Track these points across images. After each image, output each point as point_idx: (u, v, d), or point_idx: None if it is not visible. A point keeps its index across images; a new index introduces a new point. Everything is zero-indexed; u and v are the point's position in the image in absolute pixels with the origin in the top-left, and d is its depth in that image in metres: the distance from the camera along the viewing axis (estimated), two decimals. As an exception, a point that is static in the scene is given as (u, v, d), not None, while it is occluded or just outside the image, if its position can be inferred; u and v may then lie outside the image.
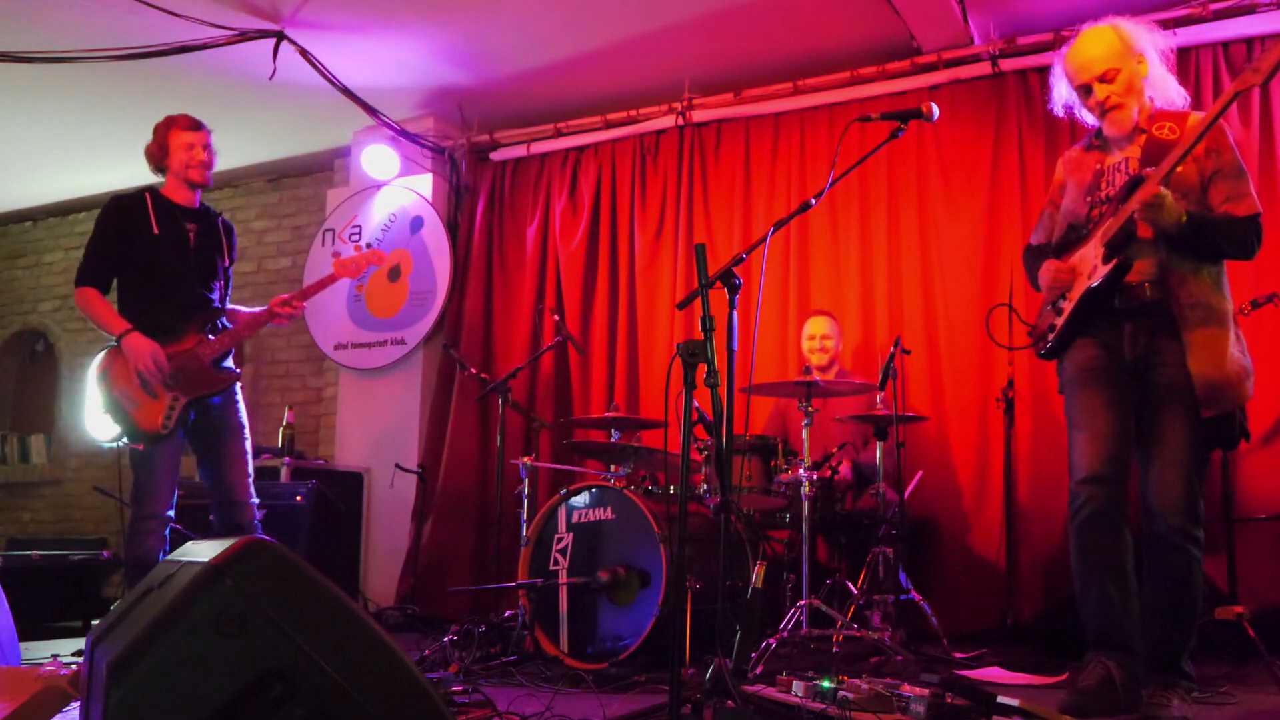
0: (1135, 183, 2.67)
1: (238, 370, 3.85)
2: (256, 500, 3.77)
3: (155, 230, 3.74)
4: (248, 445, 3.78)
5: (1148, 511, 2.67)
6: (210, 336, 3.74)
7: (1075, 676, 2.74)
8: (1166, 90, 2.81)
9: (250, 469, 3.78)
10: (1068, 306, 2.80)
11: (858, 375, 4.68)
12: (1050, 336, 2.85)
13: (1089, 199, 2.83)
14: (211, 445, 3.74)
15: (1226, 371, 2.61)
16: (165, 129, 3.83)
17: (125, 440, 3.66)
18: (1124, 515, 2.68)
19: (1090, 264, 2.74)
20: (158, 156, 3.84)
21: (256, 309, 3.95)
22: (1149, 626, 2.68)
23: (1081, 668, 2.69)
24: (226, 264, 3.91)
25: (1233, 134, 4.26)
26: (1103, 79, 2.78)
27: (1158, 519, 2.63)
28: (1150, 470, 2.67)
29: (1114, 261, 2.65)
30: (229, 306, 3.93)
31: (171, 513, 3.64)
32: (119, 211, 3.78)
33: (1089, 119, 2.91)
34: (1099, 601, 2.67)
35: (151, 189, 3.86)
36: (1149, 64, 2.80)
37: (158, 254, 3.74)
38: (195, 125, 3.85)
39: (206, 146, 3.84)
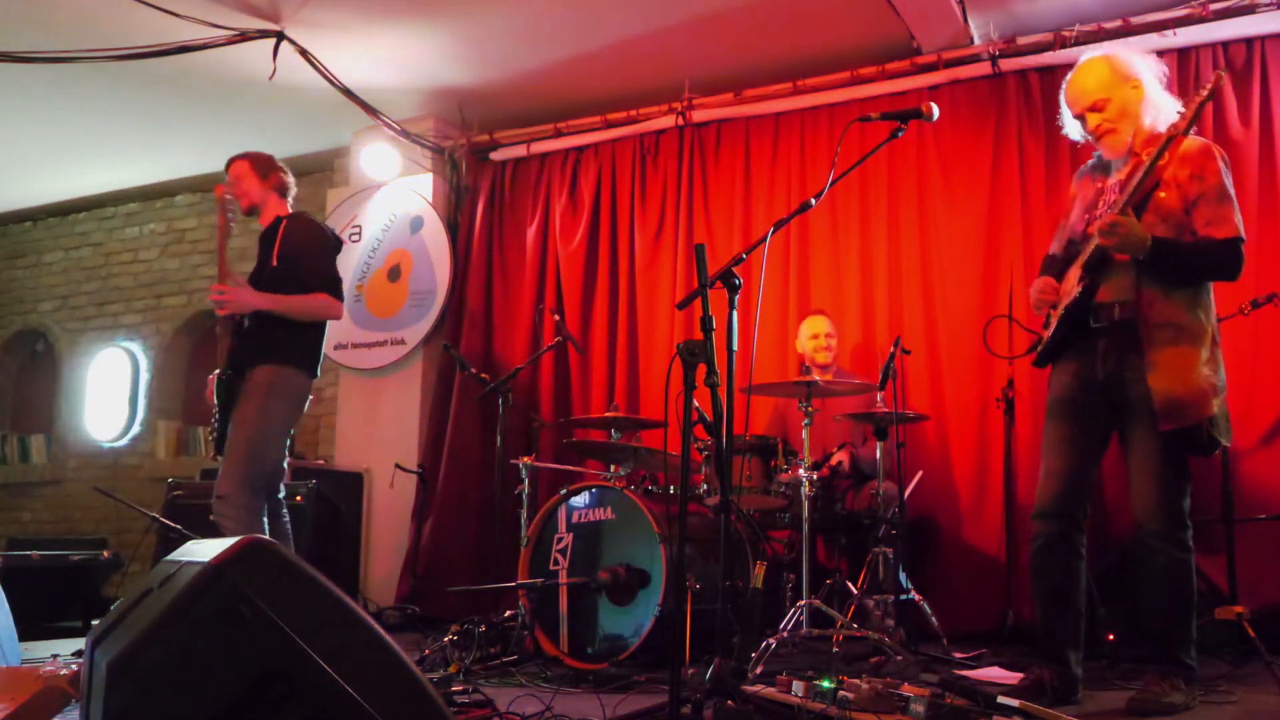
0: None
1: (262, 364, 3.77)
2: (224, 495, 3.67)
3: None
4: (240, 439, 3.73)
5: (1134, 519, 2.83)
6: None
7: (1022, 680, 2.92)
8: (1165, 112, 2.90)
9: (231, 464, 3.71)
10: (1054, 321, 2.96)
11: (858, 375, 4.69)
12: (1039, 348, 3.04)
13: (1087, 217, 2.97)
14: None
15: (1191, 388, 2.73)
16: None
17: None
18: (1070, 545, 2.90)
19: (1074, 280, 2.90)
20: None
21: None
22: (1146, 623, 2.86)
23: (1025, 675, 2.92)
24: (275, 264, 3.88)
25: (1234, 134, 4.32)
26: (1094, 108, 2.92)
27: (1139, 525, 2.81)
28: (1130, 481, 2.85)
29: (1084, 282, 2.84)
30: None
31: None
32: None
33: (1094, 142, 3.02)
34: (1043, 621, 2.95)
35: None
36: (1145, 88, 2.91)
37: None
38: (227, 165, 4.08)
39: (232, 182, 4.02)
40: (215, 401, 3.84)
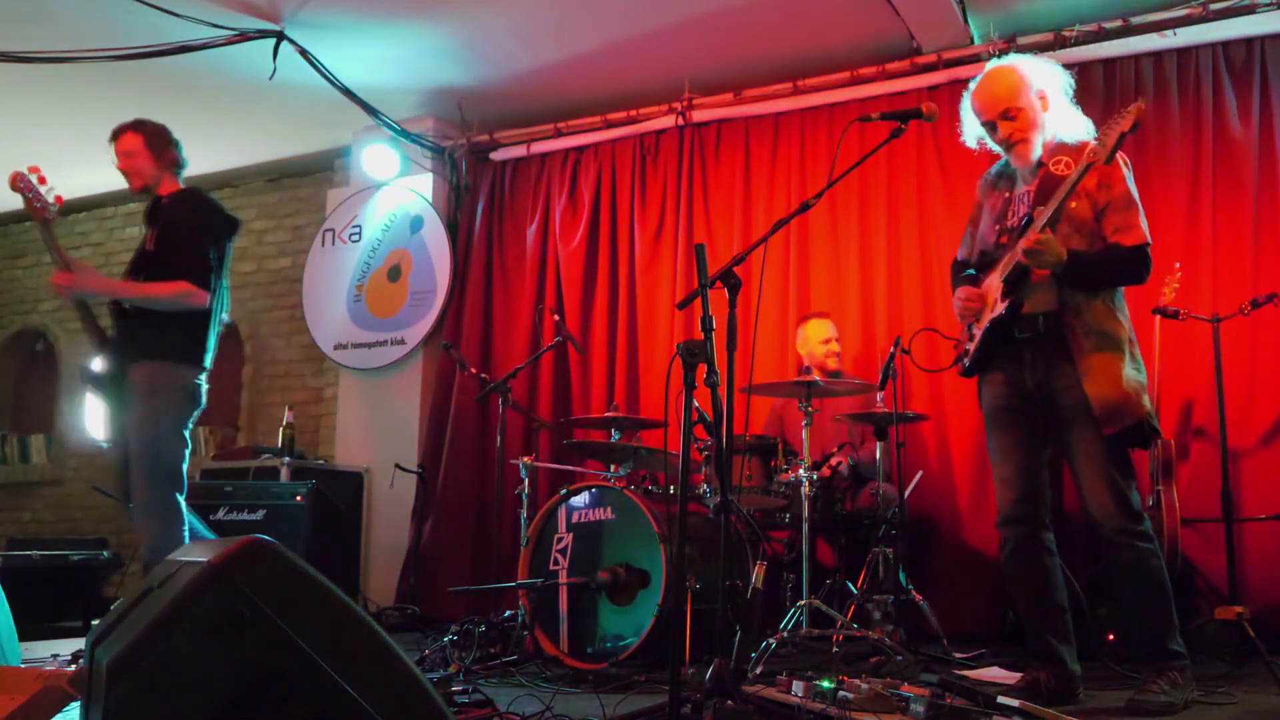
0: (1030, 221, 2.85)
1: (139, 361, 3.59)
2: (138, 505, 3.54)
3: None
4: (138, 446, 3.54)
5: (1090, 520, 2.88)
6: None
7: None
8: (1070, 123, 2.95)
9: (137, 469, 3.54)
10: (978, 333, 2.99)
11: (857, 375, 4.68)
12: (966, 360, 3.07)
13: (997, 227, 3.02)
14: None
15: (1124, 390, 2.79)
16: None
17: None
18: (1040, 543, 2.94)
19: (995, 293, 2.93)
20: None
21: None
22: (1130, 619, 2.94)
23: (1022, 676, 2.92)
24: (150, 248, 3.67)
25: (1234, 134, 4.32)
26: (1005, 116, 2.95)
27: (1099, 526, 2.84)
28: (1079, 484, 2.90)
29: (1009, 299, 2.87)
30: None
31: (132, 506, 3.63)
32: None
33: (999, 150, 3.06)
34: (1029, 623, 2.97)
35: None
36: (1050, 100, 2.96)
37: None
38: (113, 135, 3.82)
39: (124, 154, 3.78)
40: (94, 390, 3.69)
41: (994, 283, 2.94)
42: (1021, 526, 2.95)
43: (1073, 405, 2.83)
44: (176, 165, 3.82)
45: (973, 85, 3.04)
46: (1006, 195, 3.04)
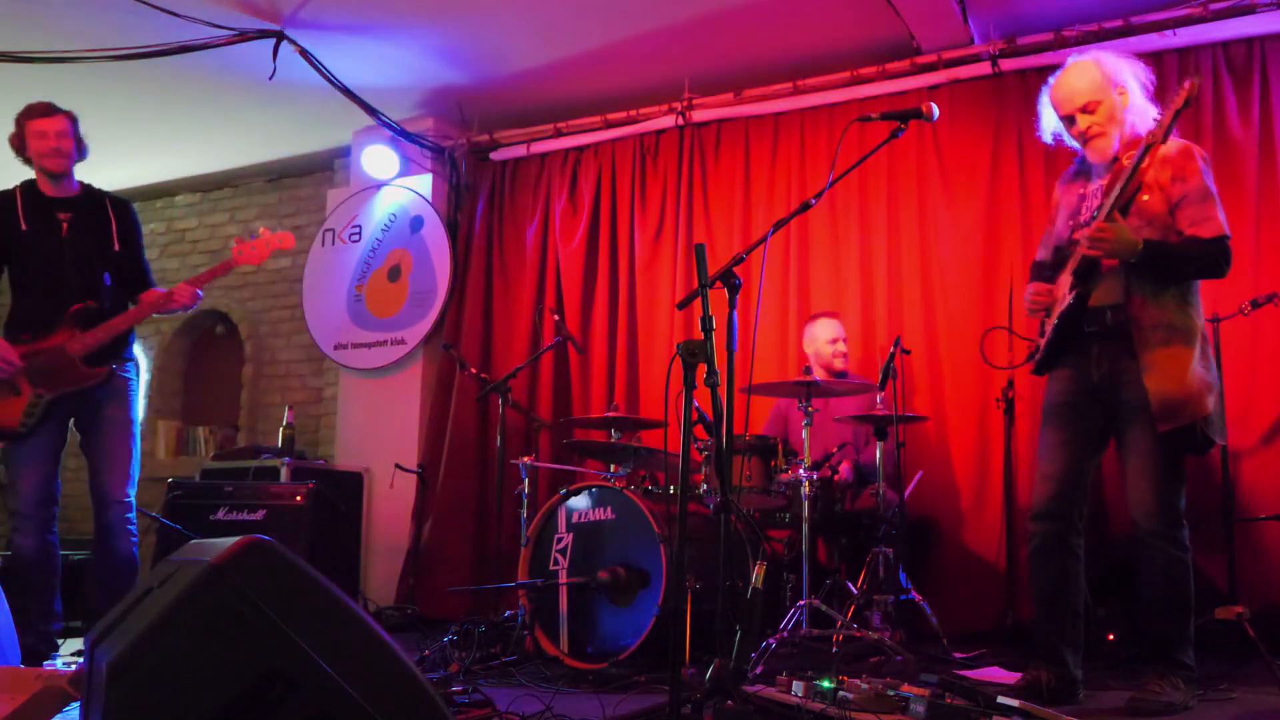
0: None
1: (121, 364, 3.78)
2: (129, 500, 3.73)
3: (23, 226, 3.74)
4: (129, 443, 3.75)
5: (1132, 517, 2.87)
6: (83, 330, 3.67)
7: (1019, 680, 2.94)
8: (1147, 118, 2.95)
9: (127, 468, 3.74)
10: (1049, 328, 2.99)
11: (858, 376, 4.68)
12: (1037, 356, 3.07)
13: (1071, 223, 3.01)
14: (90, 442, 3.77)
15: (1187, 388, 2.76)
16: (22, 118, 3.80)
17: None
18: (1066, 546, 2.95)
19: (1065, 287, 2.93)
20: (18, 147, 3.81)
21: (158, 291, 3.82)
22: (1146, 622, 2.91)
23: (1022, 675, 2.94)
24: (117, 248, 3.80)
25: (1234, 134, 4.32)
26: (1085, 110, 2.96)
27: (1137, 524, 2.84)
28: (1126, 481, 2.89)
29: (1075, 290, 2.87)
30: (151, 290, 3.84)
31: (46, 510, 3.66)
32: None
33: (1076, 145, 3.06)
34: (1040, 621, 2.99)
35: (25, 183, 3.85)
36: (1130, 95, 2.97)
37: (27, 250, 3.75)
38: (47, 111, 3.80)
39: (59, 134, 3.77)
40: (41, 384, 3.63)
41: (1065, 278, 2.94)
42: (1052, 524, 2.94)
43: (1133, 400, 2.82)
44: (81, 159, 3.93)
45: (1052, 80, 3.05)
46: (1081, 191, 3.04)
